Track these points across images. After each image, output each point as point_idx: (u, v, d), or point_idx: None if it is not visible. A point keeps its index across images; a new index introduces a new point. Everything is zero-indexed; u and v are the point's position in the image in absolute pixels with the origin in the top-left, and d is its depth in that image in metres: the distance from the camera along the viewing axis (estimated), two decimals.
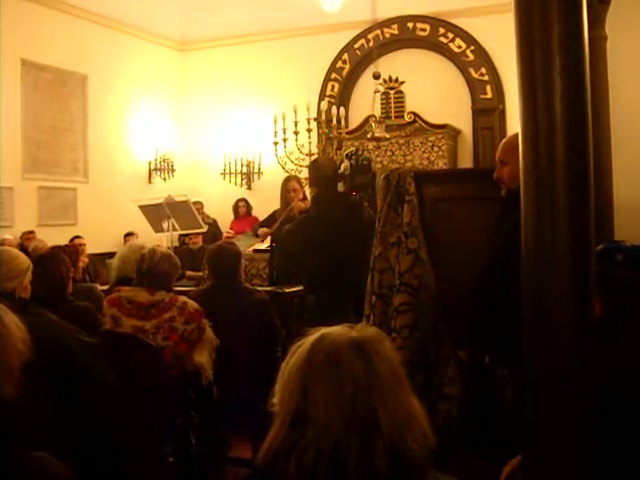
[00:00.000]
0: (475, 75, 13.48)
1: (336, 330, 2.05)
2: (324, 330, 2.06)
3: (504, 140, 4.38)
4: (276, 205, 8.97)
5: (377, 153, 12.70)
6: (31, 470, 1.86)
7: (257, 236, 8.98)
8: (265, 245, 8.62)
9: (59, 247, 6.74)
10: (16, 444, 1.89)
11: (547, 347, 1.72)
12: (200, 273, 9.26)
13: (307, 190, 9.23)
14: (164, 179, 15.14)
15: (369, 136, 11.47)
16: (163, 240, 9.32)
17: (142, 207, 9.78)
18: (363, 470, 1.85)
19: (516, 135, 4.26)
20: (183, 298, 5.36)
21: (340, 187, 6.52)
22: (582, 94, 1.66)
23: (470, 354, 4.44)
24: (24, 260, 4.90)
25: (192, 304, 5.32)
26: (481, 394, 4.42)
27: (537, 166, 1.69)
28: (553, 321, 1.70)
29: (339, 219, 6.48)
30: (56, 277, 5.34)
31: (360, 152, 6.77)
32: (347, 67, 14.44)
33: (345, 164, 6.49)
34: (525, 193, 1.74)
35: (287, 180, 8.66)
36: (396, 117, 13.67)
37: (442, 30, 13.69)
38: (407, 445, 1.90)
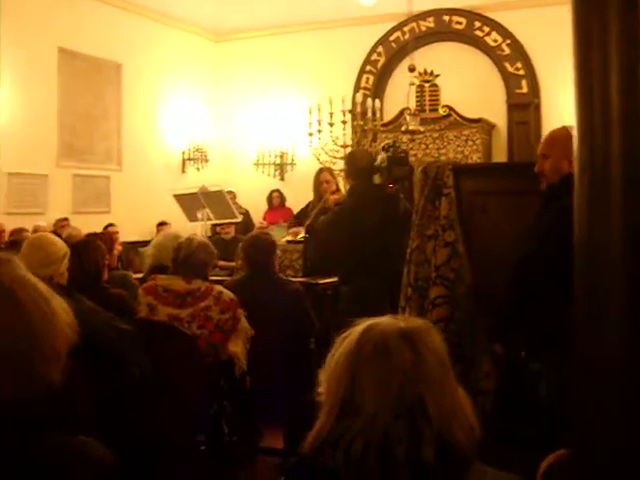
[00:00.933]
0: (510, 69, 13.44)
1: (384, 320, 2.05)
2: (372, 320, 2.06)
3: (548, 133, 4.35)
4: (309, 196, 8.97)
5: (411, 146, 12.64)
6: (78, 454, 1.87)
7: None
8: (299, 236, 8.63)
9: (95, 234, 6.77)
10: (62, 429, 1.90)
11: (599, 343, 1.71)
12: (233, 263, 9.28)
13: (341, 182, 9.23)
14: (197, 169, 15.16)
15: (403, 129, 11.45)
16: (197, 230, 9.34)
17: (177, 196, 9.81)
18: (412, 460, 1.85)
19: (560, 129, 4.26)
20: (219, 287, 5.37)
21: (376, 179, 6.51)
22: (638, 90, 1.64)
23: (506, 348, 4.42)
24: (62, 247, 4.92)
25: (228, 294, 5.33)
26: (515, 389, 4.40)
27: (592, 164, 1.67)
28: (605, 317, 1.69)
29: (375, 211, 6.47)
30: (92, 264, 5.37)
31: (398, 144, 6.74)
32: (382, 60, 14.42)
33: (382, 156, 6.47)
34: (579, 190, 1.72)
35: (320, 172, 8.67)
36: (431, 110, 13.66)
37: (478, 24, 13.66)
38: (454, 436, 1.90)
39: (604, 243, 1.66)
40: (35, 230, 10.24)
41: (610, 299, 1.68)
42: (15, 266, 1.98)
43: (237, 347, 5.31)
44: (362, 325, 2.06)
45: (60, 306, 1.98)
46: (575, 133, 1.74)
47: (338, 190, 8.54)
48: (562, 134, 4.19)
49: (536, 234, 4.06)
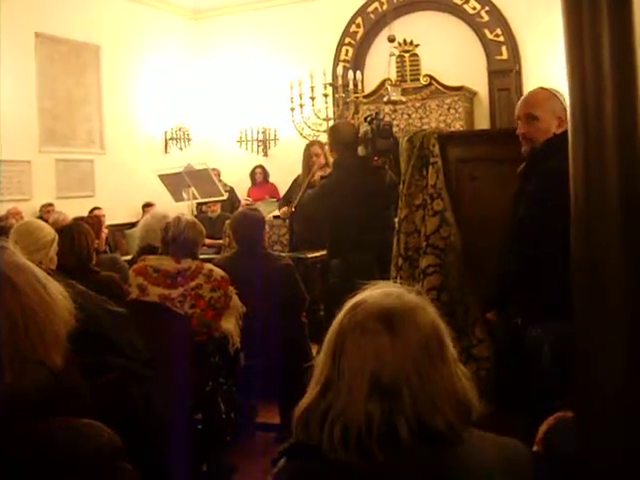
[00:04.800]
0: (490, 36, 13.41)
1: (372, 297, 2.00)
2: (362, 296, 2.03)
3: (532, 94, 4.28)
4: (293, 171, 8.96)
5: (393, 116, 12.66)
6: (86, 437, 1.88)
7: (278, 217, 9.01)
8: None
9: (81, 218, 6.75)
10: (67, 412, 1.91)
11: (598, 302, 1.71)
12: (220, 241, 9.30)
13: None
14: (180, 148, 15.16)
15: (385, 100, 11.47)
16: (184, 209, 9.32)
17: (162, 176, 9.79)
18: (388, 443, 1.84)
19: (540, 90, 4.24)
20: (209, 266, 5.37)
21: (361, 151, 6.49)
22: (630, 46, 1.64)
23: (502, 316, 4.43)
24: (49, 232, 4.90)
25: (218, 271, 5.33)
26: (513, 356, 4.40)
27: (585, 123, 1.67)
28: (603, 277, 1.69)
29: (360, 183, 6.46)
30: (82, 248, 5.34)
31: (381, 116, 6.72)
32: (361, 31, 14.37)
33: (365, 128, 6.45)
34: (573, 150, 1.72)
35: (310, 145, 8.62)
36: (412, 80, 13.63)
37: None
38: (435, 418, 1.87)
39: (600, 204, 1.66)
40: (8, 214, 10.27)
41: (608, 262, 1.68)
42: (11, 252, 1.98)
43: (230, 324, 5.32)
44: (351, 301, 2.03)
45: (57, 290, 1.99)
46: (567, 92, 1.74)
47: (327, 164, 8.53)
48: (546, 94, 4.18)
49: (525, 200, 4.05)
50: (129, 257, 7.21)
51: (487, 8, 13.35)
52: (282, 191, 10.68)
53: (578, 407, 1.93)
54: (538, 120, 4.08)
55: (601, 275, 1.71)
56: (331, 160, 8.48)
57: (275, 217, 8.97)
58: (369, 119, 6.55)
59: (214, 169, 12.14)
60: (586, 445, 1.86)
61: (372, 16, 14.21)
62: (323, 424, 1.90)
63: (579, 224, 1.74)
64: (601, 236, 1.69)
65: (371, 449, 1.83)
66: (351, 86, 10.82)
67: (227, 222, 7.99)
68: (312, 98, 10.68)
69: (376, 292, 2.03)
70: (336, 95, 11.58)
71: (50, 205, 11.67)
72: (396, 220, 5.29)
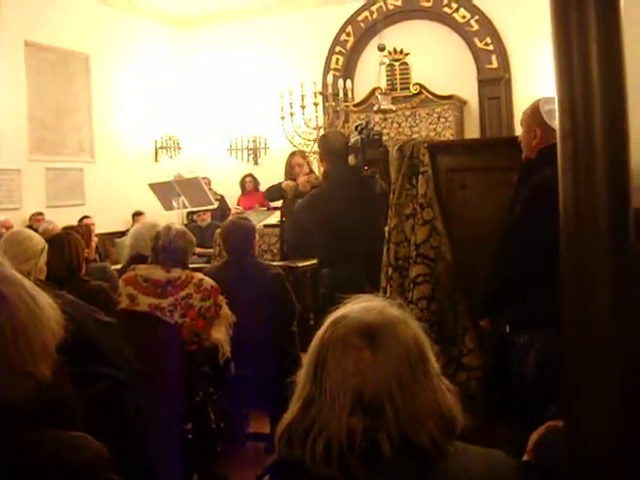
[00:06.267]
0: (480, 45, 13.44)
1: (353, 312, 1.98)
2: (343, 311, 2.01)
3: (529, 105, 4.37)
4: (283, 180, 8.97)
5: (384, 125, 12.70)
6: (73, 450, 1.87)
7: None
8: (275, 220, 8.63)
9: (71, 227, 6.73)
10: (54, 424, 1.90)
11: (587, 312, 1.71)
12: (210, 250, 9.29)
13: (315, 165, 9.24)
14: (170, 157, 15.15)
15: (375, 108, 11.49)
16: (174, 218, 9.32)
17: (152, 185, 9.79)
18: (370, 460, 1.83)
19: (532, 103, 4.28)
20: (199, 275, 5.37)
21: (351, 160, 6.48)
22: (619, 56, 1.64)
23: (492, 323, 4.43)
24: (39, 241, 4.88)
25: (208, 281, 5.32)
26: (503, 365, 4.40)
27: (574, 133, 1.67)
28: (592, 286, 1.69)
29: (351, 193, 6.45)
30: (72, 257, 5.32)
31: (371, 126, 6.71)
32: (351, 40, 14.40)
33: (355, 138, 6.45)
34: (562, 160, 1.72)
35: (291, 155, 8.64)
36: (402, 89, 13.68)
37: (446, 0, 13.62)
38: (419, 434, 1.86)
39: (590, 218, 1.66)
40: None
41: (597, 272, 1.68)
42: None
43: (220, 334, 5.32)
44: (332, 316, 2.01)
45: (46, 301, 1.98)
46: (557, 104, 1.74)
47: (312, 172, 8.52)
48: (531, 105, 4.24)
49: (517, 207, 4.08)
50: (119, 266, 7.20)
51: (477, 17, 13.38)
52: None
53: (565, 415, 1.92)
54: (523, 130, 4.20)
55: (589, 290, 1.71)
56: (316, 169, 8.48)
57: (266, 226, 8.96)
58: (359, 128, 6.53)
59: (204, 178, 12.14)
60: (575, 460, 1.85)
61: (362, 25, 14.23)
62: (305, 441, 1.89)
63: (568, 240, 1.74)
64: (589, 245, 1.69)
65: (353, 465, 1.82)
66: (341, 95, 10.83)
67: (217, 231, 8.00)
68: (302, 107, 10.70)
69: (357, 307, 2.01)
70: (326, 104, 11.63)
71: (40, 214, 11.66)
72: (386, 229, 5.29)
